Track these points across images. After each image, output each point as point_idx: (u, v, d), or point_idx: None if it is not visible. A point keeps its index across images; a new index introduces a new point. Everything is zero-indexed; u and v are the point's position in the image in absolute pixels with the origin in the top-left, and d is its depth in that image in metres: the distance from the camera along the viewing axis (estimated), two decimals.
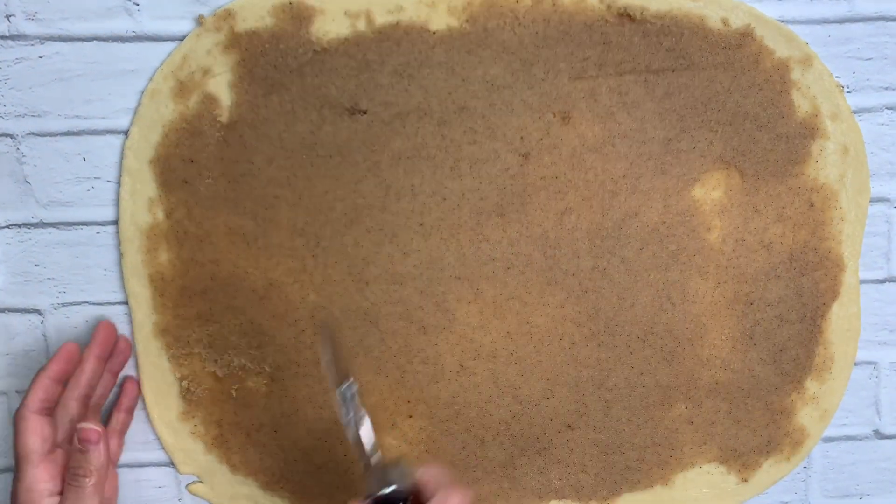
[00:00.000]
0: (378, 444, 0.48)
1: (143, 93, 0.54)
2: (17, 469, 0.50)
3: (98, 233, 0.56)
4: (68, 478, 0.50)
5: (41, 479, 0.50)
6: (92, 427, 0.50)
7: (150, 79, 0.54)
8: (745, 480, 0.60)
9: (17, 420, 0.50)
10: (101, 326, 0.55)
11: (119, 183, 0.55)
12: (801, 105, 0.54)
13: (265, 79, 0.53)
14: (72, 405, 0.53)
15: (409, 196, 0.54)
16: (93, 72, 0.54)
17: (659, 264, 0.56)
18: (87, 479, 0.50)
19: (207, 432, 0.58)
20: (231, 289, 0.55)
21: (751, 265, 0.56)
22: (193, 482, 0.59)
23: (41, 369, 0.52)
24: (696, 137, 0.54)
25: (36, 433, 0.50)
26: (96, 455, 0.50)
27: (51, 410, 0.52)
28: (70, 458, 0.51)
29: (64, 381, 0.52)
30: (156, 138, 0.54)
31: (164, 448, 0.58)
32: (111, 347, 0.55)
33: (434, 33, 0.52)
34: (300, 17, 0.52)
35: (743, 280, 0.56)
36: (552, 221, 0.55)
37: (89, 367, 0.53)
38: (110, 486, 0.55)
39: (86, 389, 0.53)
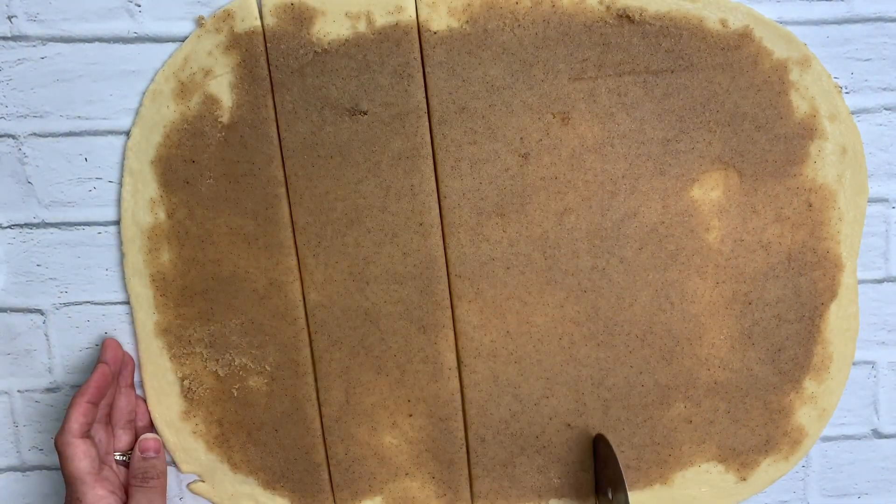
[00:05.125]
0: None
1: (144, 93, 0.54)
2: (72, 491, 0.51)
3: (100, 233, 0.56)
4: (136, 482, 0.54)
5: (101, 496, 0.52)
6: (151, 437, 0.56)
7: (152, 80, 0.54)
8: (744, 479, 0.60)
9: (62, 446, 0.52)
10: (108, 345, 0.55)
11: (120, 183, 0.55)
12: (800, 106, 0.55)
13: (266, 80, 0.53)
14: (97, 427, 0.54)
15: (409, 196, 0.54)
16: (94, 72, 0.54)
17: (658, 264, 0.56)
18: (156, 481, 0.55)
19: (208, 431, 0.58)
20: (232, 288, 0.56)
21: (749, 265, 0.56)
22: (194, 481, 0.59)
23: (78, 393, 0.52)
24: (694, 138, 0.54)
25: (86, 455, 0.52)
26: (160, 460, 0.55)
27: (89, 432, 0.53)
28: (133, 467, 0.55)
29: (99, 403, 0.53)
30: (157, 139, 0.54)
31: (165, 447, 0.58)
32: (120, 364, 0.56)
33: (435, 34, 0.52)
34: (301, 19, 0.52)
35: (741, 280, 0.56)
36: (552, 221, 0.55)
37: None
38: None
39: (105, 408, 0.55)
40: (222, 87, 0.53)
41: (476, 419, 0.58)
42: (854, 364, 0.60)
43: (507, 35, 0.53)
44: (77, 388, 0.58)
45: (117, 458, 0.56)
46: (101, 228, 0.56)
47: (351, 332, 0.56)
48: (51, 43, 0.53)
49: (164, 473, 0.56)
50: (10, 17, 0.53)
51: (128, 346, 0.57)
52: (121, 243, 0.56)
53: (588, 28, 0.53)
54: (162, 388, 0.57)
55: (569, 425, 0.58)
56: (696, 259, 0.56)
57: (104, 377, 0.53)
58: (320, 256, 0.55)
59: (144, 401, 0.58)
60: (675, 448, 0.59)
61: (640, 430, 0.58)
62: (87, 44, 0.53)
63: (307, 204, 0.54)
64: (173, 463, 0.59)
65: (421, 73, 0.53)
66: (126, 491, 0.54)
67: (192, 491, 0.59)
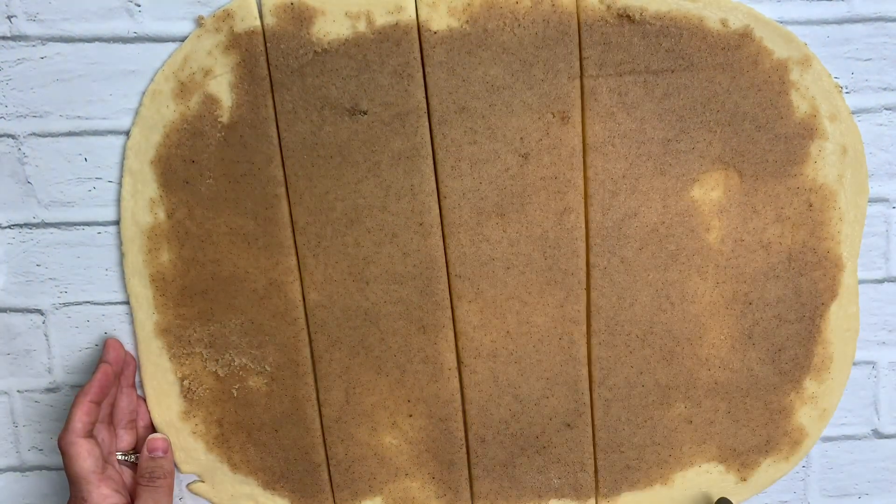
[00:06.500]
0: None
1: (144, 93, 0.54)
2: (77, 491, 0.52)
3: (99, 233, 0.56)
4: (143, 481, 0.54)
5: (106, 495, 0.52)
6: (160, 437, 0.56)
7: (152, 79, 0.54)
8: (744, 480, 0.60)
9: (65, 446, 0.52)
10: (110, 345, 0.56)
11: (120, 183, 0.55)
12: (800, 106, 0.55)
13: (266, 79, 0.53)
14: (99, 426, 0.54)
15: (409, 196, 0.54)
16: (94, 72, 0.54)
17: (658, 264, 0.56)
18: (163, 480, 0.54)
19: (208, 431, 0.58)
20: (232, 288, 0.56)
21: (749, 265, 0.56)
22: (194, 481, 0.59)
23: (81, 392, 0.53)
24: (695, 138, 0.54)
25: (91, 455, 0.52)
26: (168, 460, 0.55)
27: (92, 432, 0.53)
28: (141, 466, 0.55)
29: (101, 402, 0.54)
30: (157, 139, 0.54)
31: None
32: (122, 363, 0.56)
33: (435, 33, 0.52)
34: (301, 18, 0.52)
35: (742, 280, 0.56)
36: (552, 221, 0.55)
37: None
38: None
39: (107, 408, 0.55)
40: (222, 87, 0.53)
41: (476, 419, 0.58)
42: (854, 364, 0.60)
43: (507, 35, 0.53)
44: (77, 389, 0.58)
45: (119, 457, 0.56)
46: (100, 228, 0.56)
47: (351, 332, 0.56)
48: (50, 43, 0.53)
49: (172, 473, 0.56)
50: (9, 17, 0.53)
51: (128, 347, 0.57)
52: (120, 243, 0.56)
53: (588, 27, 0.53)
54: (162, 389, 0.57)
55: (569, 425, 0.58)
56: (696, 259, 0.56)
57: (107, 376, 0.53)
58: (320, 256, 0.55)
59: (145, 401, 0.58)
60: (676, 448, 0.59)
61: (640, 430, 0.58)
62: (86, 43, 0.53)
63: (307, 204, 0.54)
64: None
65: (421, 73, 0.53)
66: (129, 491, 0.54)
67: (191, 491, 0.59)
